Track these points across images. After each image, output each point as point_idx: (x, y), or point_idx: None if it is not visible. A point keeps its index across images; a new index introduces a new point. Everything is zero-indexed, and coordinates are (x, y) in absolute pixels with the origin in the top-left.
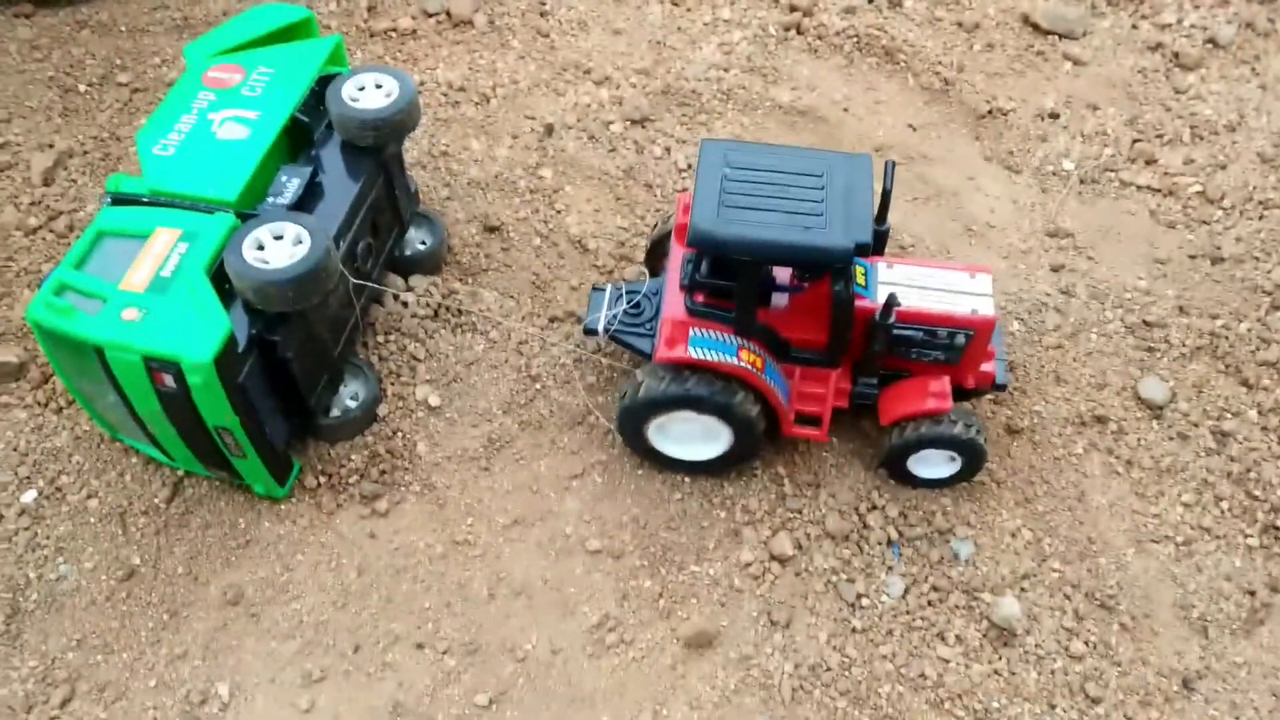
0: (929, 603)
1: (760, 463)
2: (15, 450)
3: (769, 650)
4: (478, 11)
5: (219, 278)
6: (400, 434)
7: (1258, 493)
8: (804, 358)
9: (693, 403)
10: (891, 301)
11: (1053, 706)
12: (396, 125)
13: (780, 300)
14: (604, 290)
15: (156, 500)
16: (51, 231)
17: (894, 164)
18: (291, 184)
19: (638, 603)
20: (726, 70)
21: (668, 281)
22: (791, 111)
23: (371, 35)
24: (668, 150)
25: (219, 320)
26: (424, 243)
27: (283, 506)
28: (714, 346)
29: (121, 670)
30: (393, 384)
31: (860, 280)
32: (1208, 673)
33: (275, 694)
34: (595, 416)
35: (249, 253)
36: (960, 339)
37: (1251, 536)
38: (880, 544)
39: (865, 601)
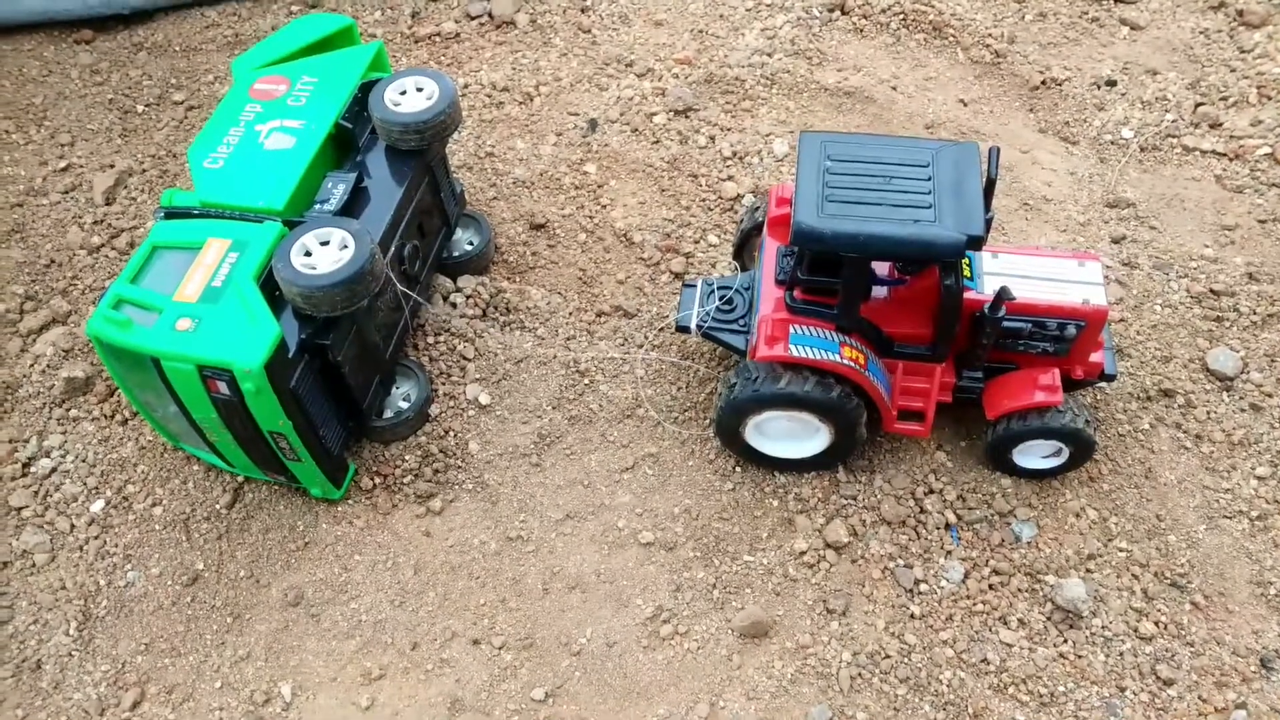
0: (990, 586)
1: None
2: (84, 462)
3: (826, 639)
4: (519, 11)
5: (269, 285)
6: (452, 433)
7: None
8: (908, 353)
9: (793, 401)
10: (1003, 295)
11: (1122, 689)
12: (438, 127)
13: (880, 293)
14: (695, 286)
15: (218, 506)
16: (114, 249)
17: (998, 150)
18: (337, 190)
19: (692, 594)
20: (770, 55)
21: (762, 276)
22: (838, 93)
23: (416, 41)
24: (712, 139)
25: (269, 326)
26: (471, 243)
27: (339, 508)
28: (816, 344)
29: (188, 672)
30: (443, 384)
31: (965, 272)
32: None
33: (336, 692)
34: (645, 409)
35: (296, 259)
36: (1071, 330)
37: None
38: (938, 528)
39: (924, 587)
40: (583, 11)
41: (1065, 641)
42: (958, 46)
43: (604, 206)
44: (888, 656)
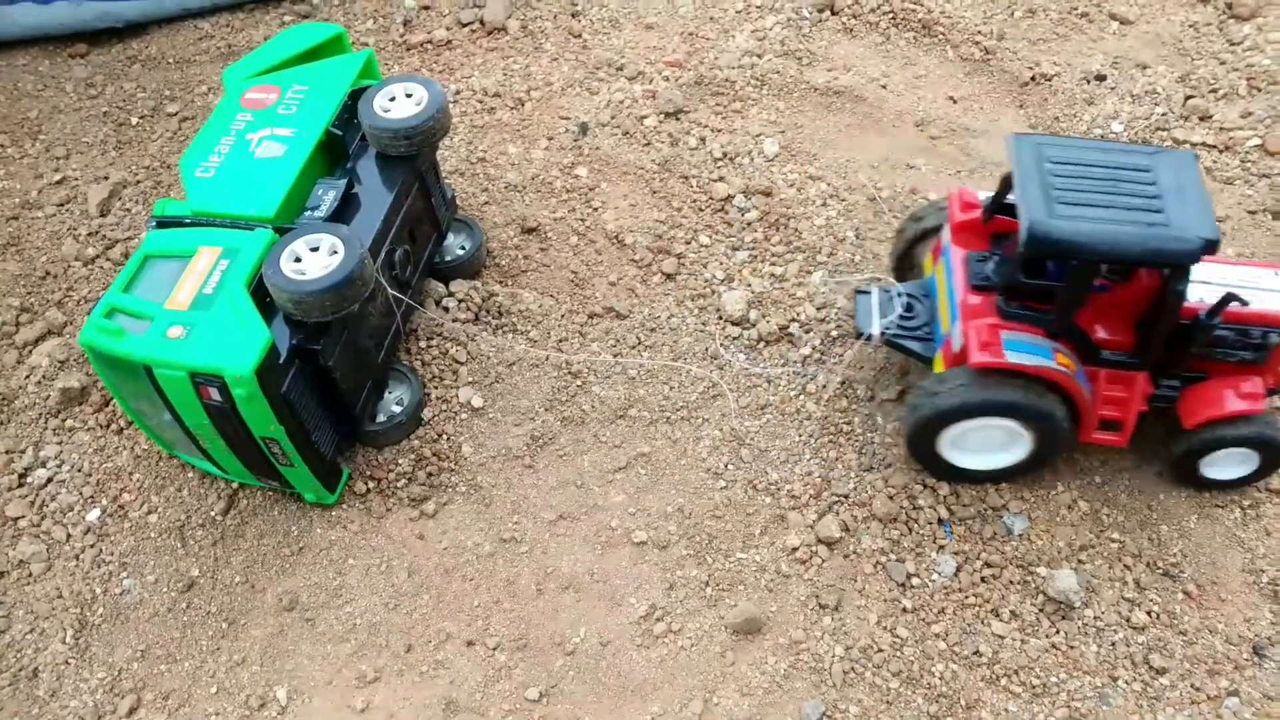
0: (982, 579)
1: (806, 449)
2: (80, 471)
3: (819, 634)
4: (510, 18)
5: (260, 292)
6: (445, 436)
7: None
8: (1115, 359)
9: (1004, 409)
10: (1230, 299)
11: (1115, 679)
12: (428, 133)
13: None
14: (869, 292)
15: (213, 513)
16: (109, 260)
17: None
18: (328, 197)
19: (685, 592)
20: (760, 56)
21: (955, 281)
22: (828, 93)
23: (409, 49)
24: (702, 141)
25: (259, 332)
26: (463, 248)
27: (334, 513)
28: (1030, 350)
29: (184, 678)
30: (436, 388)
31: None
32: None
33: (331, 695)
34: (637, 409)
35: (286, 265)
36: (1273, 338)
37: None
38: (930, 523)
39: (916, 581)
40: (573, 16)
41: (1057, 632)
42: (947, 44)
43: (595, 209)
44: (880, 650)
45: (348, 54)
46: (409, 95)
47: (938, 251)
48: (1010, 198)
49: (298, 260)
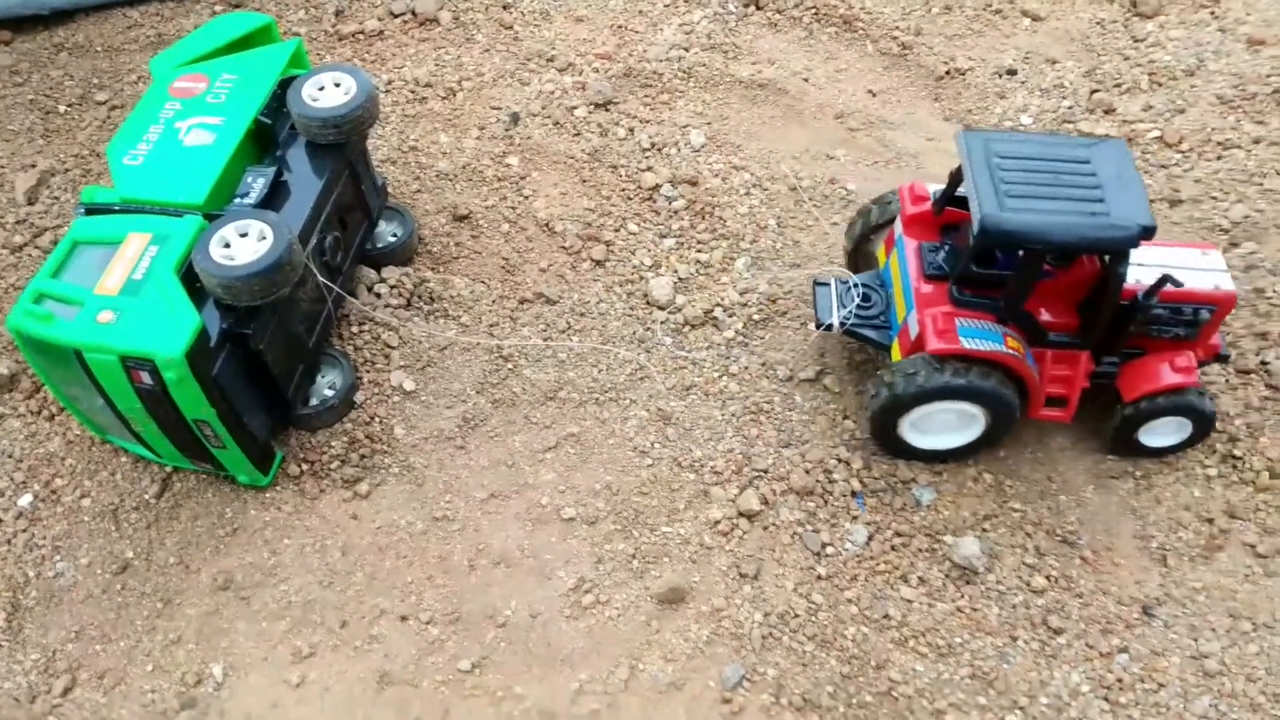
0: (892, 548)
1: (729, 428)
2: (10, 458)
3: (739, 602)
4: (442, 9)
5: (190, 277)
6: (377, 419)
7: (1217, 424)
8: (1060, 341)
9: (959, 393)
10: (1166, 281)
11: (1015, 639)
12: (356, 121)
13: None
14: (827, 284)
15: (147, 496)
16: (37, 248)
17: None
18: (257, 184)
19: (612, 565)
20: (687, 50)
21: (909, 271)
22: (753, 86)
23: (340, 39)
24: (631, 131)
25: (189, 317)
26: (395, 235)
27: (267, 495)
28: (983, 335)
29: (119, 658)
30: (368, 372)
31: None
32: (1167, 599)
33: (267, 671)
34: (567, 391)
35: (216, 251)
36: (1204, 314)
37: (1210, 467)
38: (844, 496)
39: (830, 550)
40: (505, 8)
41: (962, 596)
42: (867, 39)
43: (526, 197)
44: (796, 616)
45: (277, 43)
46: (337, 84)
47: (890, 243)
48: (961, 191)
49: (227, 246)
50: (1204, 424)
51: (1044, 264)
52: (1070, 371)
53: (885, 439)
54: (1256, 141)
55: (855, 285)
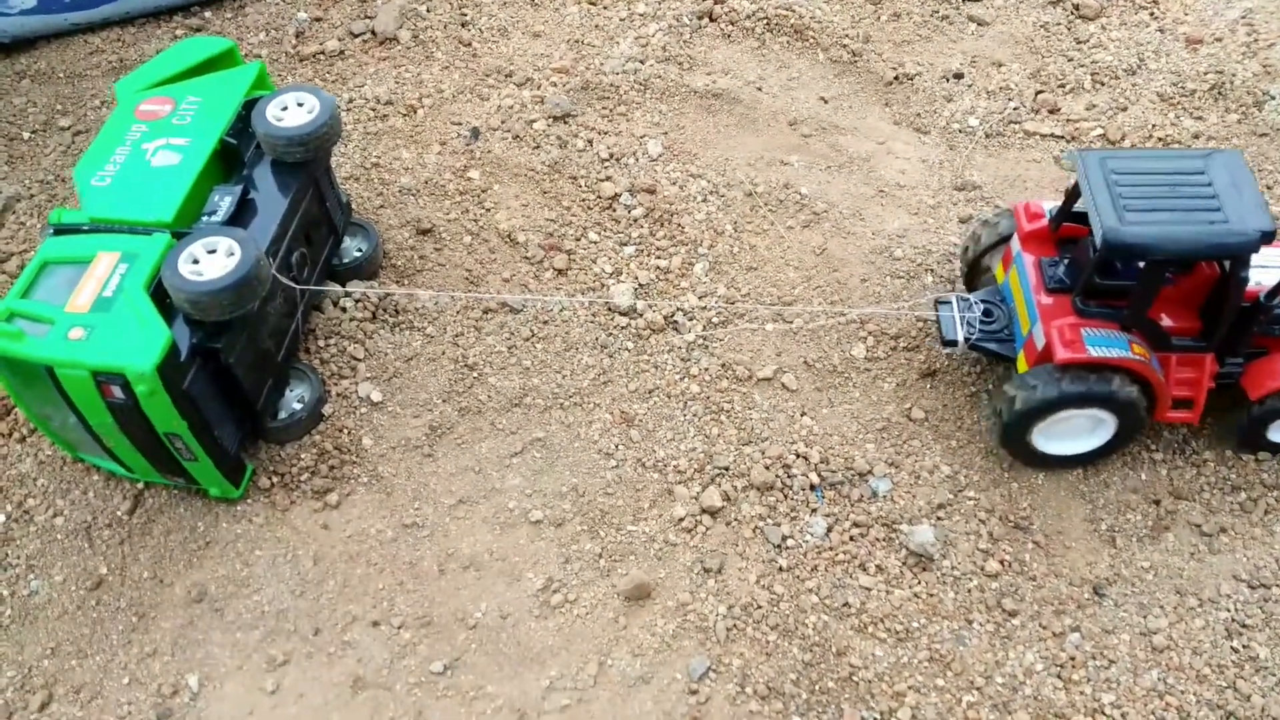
0: (851, 538)
1: (691, 428)
2: None
3: (703, 595)
4: (401, 28)
5: (160, 294)
6: (346, 430)
7: None
8: (1183, 344)
9: (1089, 399)
10: None
11: (970, 622)
12: (320, 139)
13: None
14: (950, 302)
15: (119, 513)
16: (3, 273)
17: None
18: (224, 202)
19: (580, 564)
20: (643, 62)
21: (1030, 286)
22: (707, 95)
23: (301, 60)
24: (590, 143)
25: (159, 331)
26: (360, 250)
27: (239, 507)
28: (1109, 343)
29: (95, 672)
30: (336, 384)
31: None
32: (1117, 579)
33: (242, 680)
34: (532, 397)
35: (184, 267)
36: None
37: (1157, 451)
38: (804, 489)
39: (791, 542)
40: (463, 26)
41: (919, 583)
42: (818, 48)
43: (488, 210)
44: (759, 607)
45: (240, 66)
46: (300, 104)
47: (1008, 260)
48: (1079, 207)
49: (195, 262)
50: None
51: (1165, 272)
52: (1195, 374)
53: (1016, 447)
54: (1196, 136)
55: (976, 303)
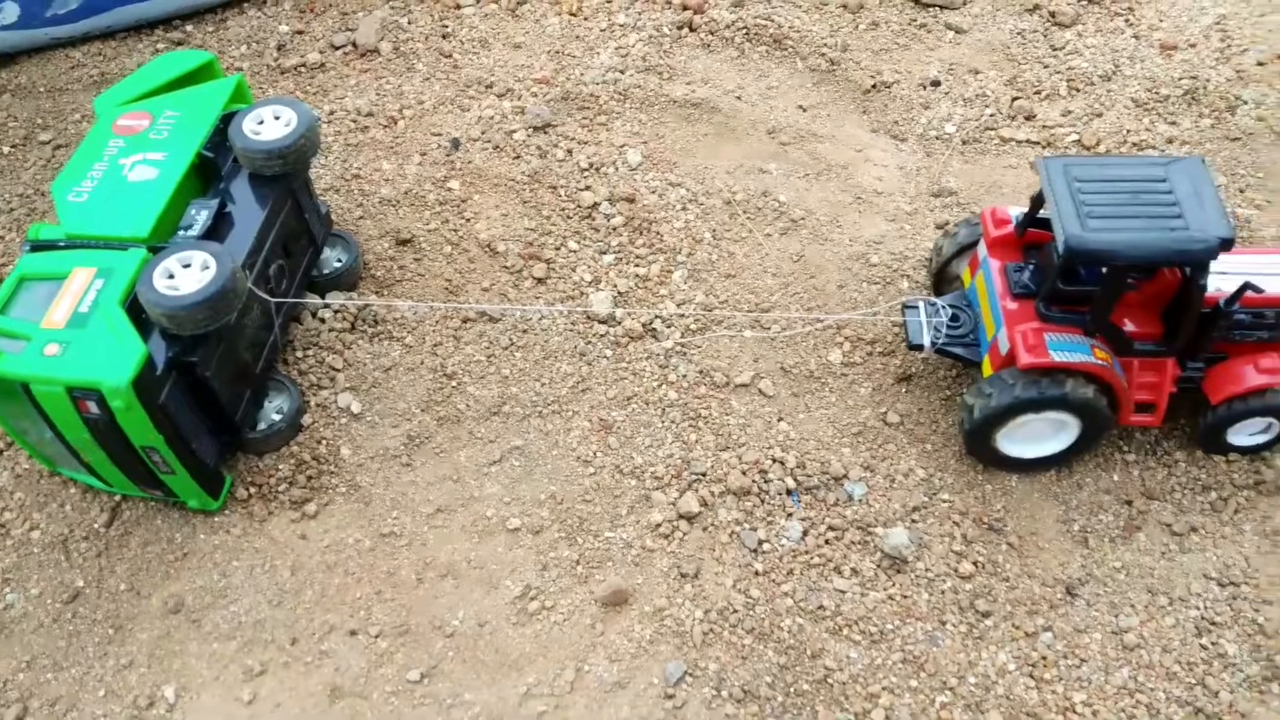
0: (826, 541)
1: (669, 434)
2: None
3: (680, 600)
4: (383, 40)
5: (137, 309)
6: (324, 441)
7: None
8: (1145, 349)
9: (1052, 403)
10: (1248, 288)
11: (944, 623)
12: (298, 152)
13: None
14: (916, 306)
15: (96, 525)
16: None
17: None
18: (200, 216)
19: (557, 571)
20: (623, 72)
21: (995, 291)
22: (686, 105)
23: (282, 73)
24: (570, 153)
25: (135, 346)
26: (340, 260)
27: (216, 519)
28: (1072, 348)
29: (71, 684)
30: (314, 395)
31: None
32: (1090, 579)
33: (219, 690)
34: (510, 406)
35: (160, 282)
36: None
37: (1129, 453)
38: (780, 494)
39: (767, 546)
40: (444, 38)
41: (893, 585)
42: (796, 57)
43: (468, 220)
44: (735, 611)
45: (218, 79)
46: (278, 117)
47: (975, 265)
48: (1043, 213)
49: (171, 277)
50: None
51: (1127, 278)
52: (1157, 378)
53: (981, 451)
54: (1170, 141)
55: (943, 307)
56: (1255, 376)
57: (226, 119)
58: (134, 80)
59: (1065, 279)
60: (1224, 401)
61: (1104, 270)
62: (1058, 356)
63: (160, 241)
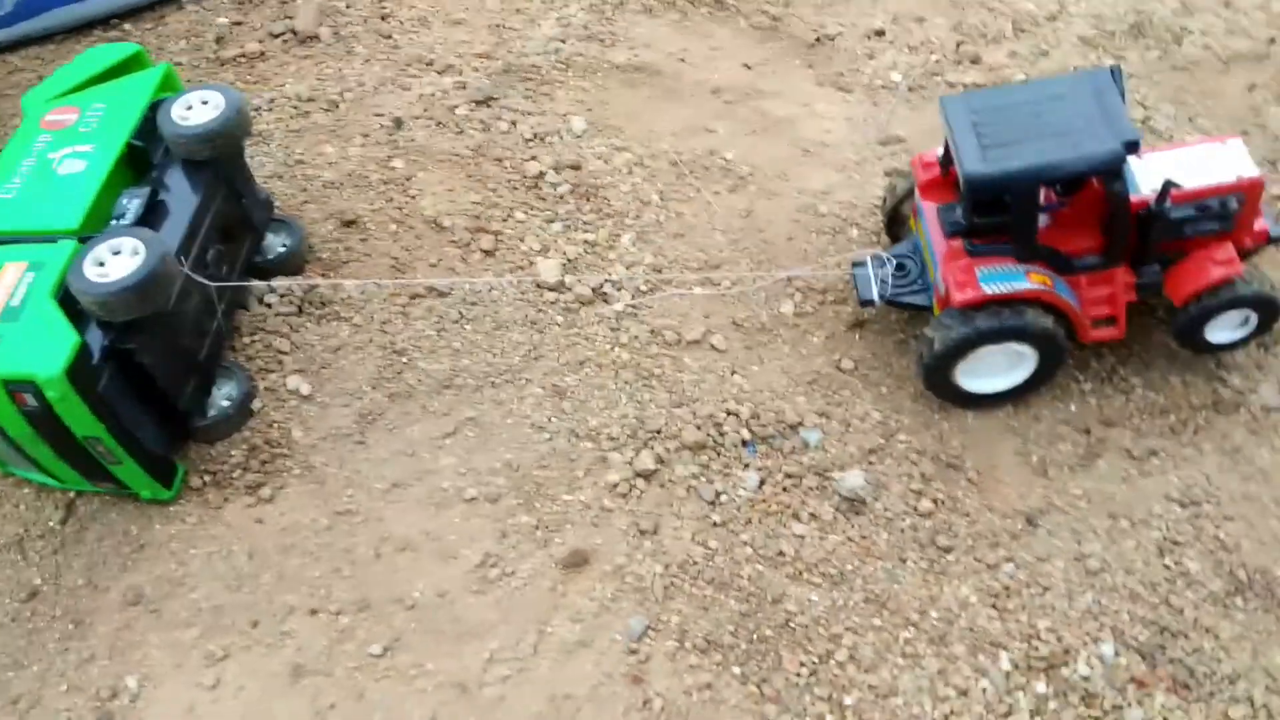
0: (784, 489)
1: (623, 395)
2: None
3: (640, 557)
4: (322, 25)
5: (71, 300)
6: (276, 424)
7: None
8: (1087, 264)
9: (996, 334)
10: (1169, 186)
11: (904, 560)
12: (227, 135)
13: (1043, 220)
14: (864, 263)
15: (51, 523)
16: None
17: (1119, 68)
18: (132, 205)
19: (516, 538)
20: (564, 41)
21: (930, 235)
22: (629, 69)
23: (222, 64)
24: (514, 124)
25: (67, 336)
26: (285, 245)
27: (172, 509)
28: (1003, 278)
29: (32, 681)
30: (263, 379)
31: None
32: (1050, 508)
33: (182, 677)
34: (463, 378)
35: (90, 270)
36: (1233, 204)
37: (1085, 382)
38: (735, 446)
39: (724, 498)
40: (383, 19)
41: (852, 526)
42: (739, 16)
43: (412, 197)
44: (695, 563)
45: (147, 69)
46: (205, 102)
47: (915, 210)
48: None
49: (101, 265)
50: (1268, 309)
51: (1037, 201)
52: (1110, 290)
53: (942, 389)
54: None
55: (889, 259)
56: (1214, 270)
57: (156, 108)
58: (61, 75)
59: (984, 211)
60: (1189, 301)
61: (1011, 197)
62: (990, 289)
63: (93, 232)
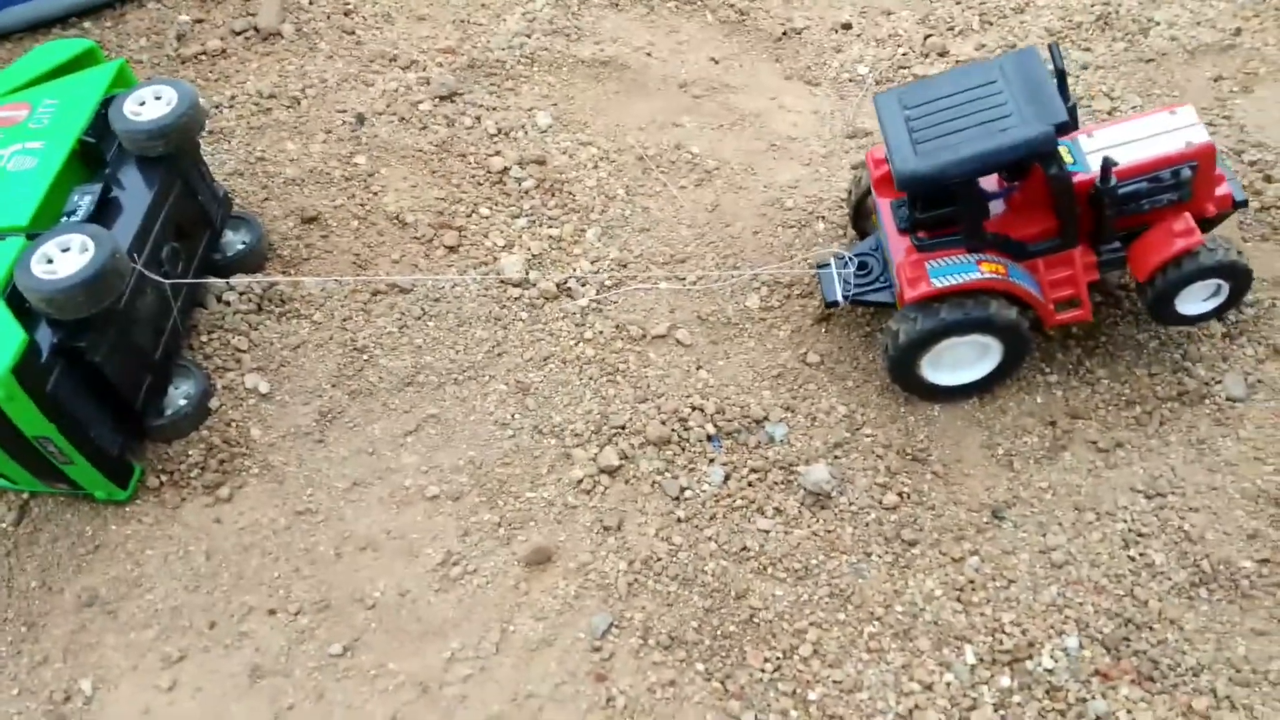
0: (749, 484)
1: (587, 391)
2: None
3: (604, 554)
4: (284, 22)
5: (19, 299)
6: (234, 423)
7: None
8: (1041, 249)
9: (952, 329)
10: (1108, 164)
11: (869, 554)
12: (180, 130)
13: (997, 207)
14: (828, 264)
15: (3, 524)
16: None
17: (1057, 45)
18: (84, 201)
19: (479, 535)
20: (530, 36)
21: (887, 232)
22: (595, 64)
23: (183, 62)
24: (478, 119)
25: (13, 334)
26: (244, 243)
27: (128, 509)
28: (954, 270)
29: None
30: (221, 377)
31: (1068, 159)
32: (1016, 501)
33: (137, 679)
34: (425, 375)
35: (38, 267)
36: (1185, 173)
37: (1051, 374)
38: (700, 441)
39: (689, 493)
40: (346, 15)
41: (817, 521)
42: (706, 9)
43: (375, 194)
44: (659, 559)
45: (99, 65)
46: (159, 97)
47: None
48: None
49: (50, 262)
50: (1239, 278)
51: (978, 192)
52: (1069, 271)
53: (905, 379)
54: (1084, 68)
55: (850, 259)
56: (1174, 241)
57: (108, 104)
58: (12, 71)
59: (929, 205)
60: (1152, 275)
61: (954, 188)
62: (940, 283)
63: (42, 230)
